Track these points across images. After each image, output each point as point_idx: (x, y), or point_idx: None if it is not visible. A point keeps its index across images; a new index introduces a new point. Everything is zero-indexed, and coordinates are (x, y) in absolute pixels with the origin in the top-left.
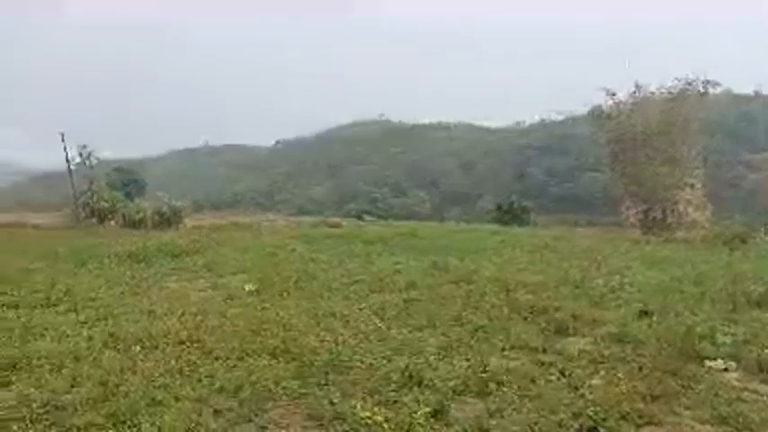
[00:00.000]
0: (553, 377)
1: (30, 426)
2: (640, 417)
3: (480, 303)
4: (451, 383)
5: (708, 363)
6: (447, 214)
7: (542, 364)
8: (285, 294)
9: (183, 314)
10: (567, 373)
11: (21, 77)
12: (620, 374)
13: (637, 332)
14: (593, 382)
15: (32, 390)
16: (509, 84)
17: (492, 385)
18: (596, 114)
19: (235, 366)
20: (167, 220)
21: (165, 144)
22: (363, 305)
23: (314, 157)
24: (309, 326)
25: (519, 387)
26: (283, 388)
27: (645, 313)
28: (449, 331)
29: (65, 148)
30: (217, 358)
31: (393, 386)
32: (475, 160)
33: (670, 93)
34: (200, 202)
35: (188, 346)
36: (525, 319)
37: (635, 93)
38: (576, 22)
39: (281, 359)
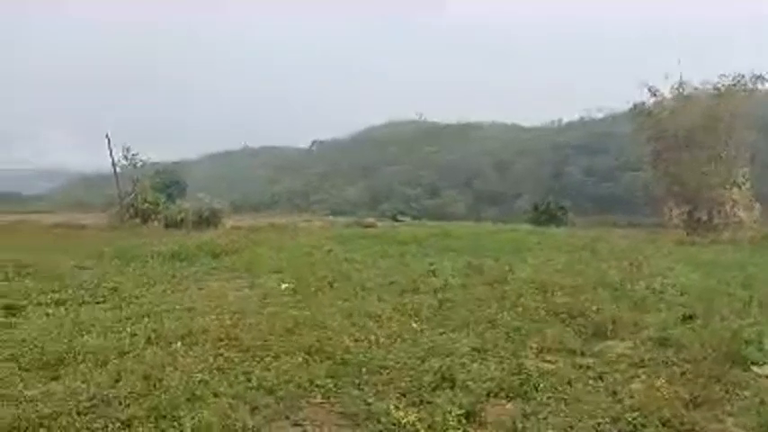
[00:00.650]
0: (591, 380)
1: (77, 418)
2: (682, 423)
3: (516, 305)
4: (485, 385)
5: (754, 368)
6: (482, 214)
7: (580, 367)
8: (320, 294)
9: (221, 312)
10: (605, 376)
11: (65, 79)
12: (661, 379)
13: (679, 336)
14: (633, 386)
15: (79, 383)
16: (545, 82)
17: (527, 387)
18: (638, 112)
19: (271, 364)
20: (207, 220)
21: (204, 147)
22: (397, 306)
23: (349, 157)
24: (343, 326)
25: (555, 390)
26: (317, 386)
27: (688, 317)
28: (483, 333)
29: (110, 151)
30: (253, 356)
31: (426, 387)
32: (510, 160)
33: (716, 89)
34: (239, 203)
35: (226, 344)
36: (562, 321)
37: (678, 89)
38: (614, 19)
39: (315, 358)
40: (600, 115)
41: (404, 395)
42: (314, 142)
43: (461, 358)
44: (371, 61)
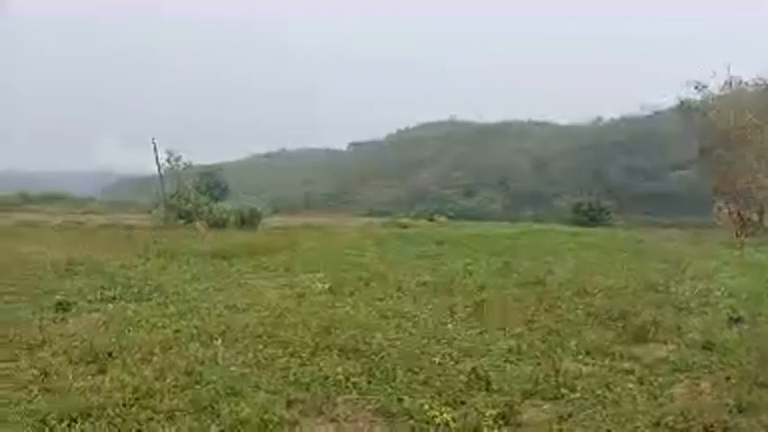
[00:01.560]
0: (631, 384)
1: (122, 409)
2: (726, 429)
3: (553, 306)
4: (521, 386)
5: None
6: (520, 215)
7: (619, 370)
8: (356, 293)
9: (260, 310)
10: (645, 380)
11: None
12: (704, 383)
13: (724, 340)
14: (675, 390)
15: (126, 376)
16: (584, 79)
17: (564, 390)
18: (684, 108)
19: (307, 361)
20: (247, 221)
21: (245, 149)
22: (432, 306)
23: (385, 158)
24: (379, 325)
25: (593, 393)
26: (353, 383)
27: (734, 320)
28: (519, 334)
29: (156, 155)
30: (291, 353)
31: (461, 387)
32: (549, 158)
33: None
34: (278, 203)
35: (264, 341)
36: (601, 323)
37: (727, 85)
38: (655, 16)
39: (350, 356)
40: (643, 112)
41: (438, 394)
42: (351, 144)
43: (496, 359)
44: (407, 62)
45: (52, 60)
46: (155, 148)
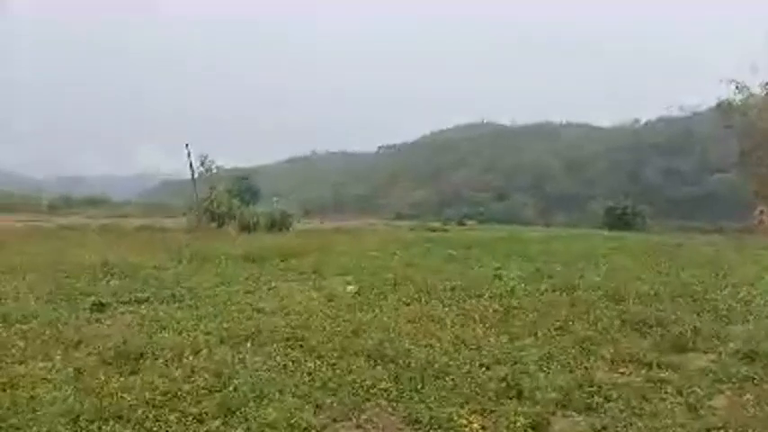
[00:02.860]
0: (669, 395)
1: (152, 411)
2: None
3: (586, 313)
4: (553, 395)
5: None
6: (552, 218)
7: (656, 380)
8: (384, 297)
9: (288, 313)
10: (685, 391)
11: (148, 89)
12: (747, 395)
13: None
14: (716, 402)
15: (156, 378)
16: (620, 80)
17: (598, 400)
18: (724, 109)
19: (335, 365)
20: (278, 224)
21: (277, 152)
22: (460, 311)
23: (415, 161)
24: (407, 329)
25: (629, 404)
26: (380, 389)
27: None
28: (551, 341)
29: (189, 160)
30: (318, 357)
31: (491, 395)
32: (582, 161)
33: None
34: (307, 207)
35: (292, 344)
36: (637, 331)
37: None
38: (689, 17)
39: (378, 361)
40: (681, 113)
41: (467, 402)
42: (381, 147)
43: (528, 367)
44: (438, 64)
45: (91, 67)
46: (188, 153)
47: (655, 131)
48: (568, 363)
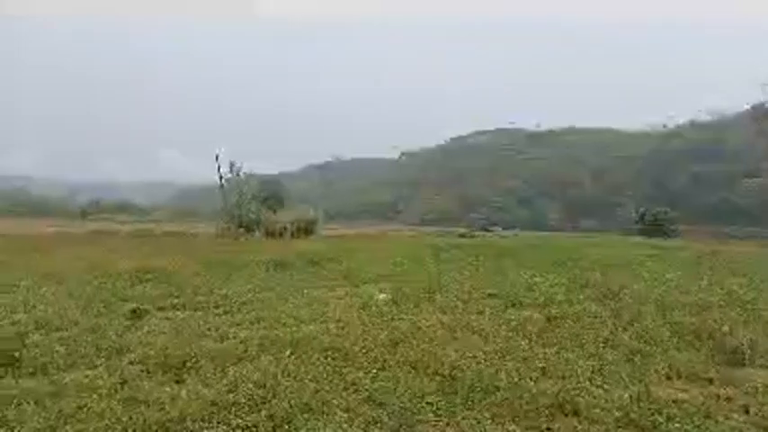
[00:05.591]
0: (734, 413)
1: (200, 423)
2: None
3: (632, 324)
4: (612, 413)
5: None
6: (578, 225)
7: (717, 397)
8: (419, 305)
9: (324, 321)
10: (751, 410)
11: (176, 97)
12: None
13: None
14: None
15: (201, 388)
16: (648, 85)
17: (659, 418)
18: (756, 113)
19: (378, 377)
20: (304, 230)
21: (300, 159)
22: (501, 320)
23: (437, 167)
24: (447, 339)
25: (692, 422)
26: (428, 403)
27: None
28: (600, 354)
29: (218, 166)
30: (359, 367)
31: (545, 411)
32: (609, 167)
33: None
34: (333, 213)
35: (332, 353)
36: (689, 343)
37: None
38: (720, 17)
39: (421, 372)
40: (710, 118)
41: (520, 417)
42: (403, 153)
43: (579, 381)
44: (462, 69)
45: (120, 73)
46: (217, 160)
47: (683, 136)
48: (621, 377)
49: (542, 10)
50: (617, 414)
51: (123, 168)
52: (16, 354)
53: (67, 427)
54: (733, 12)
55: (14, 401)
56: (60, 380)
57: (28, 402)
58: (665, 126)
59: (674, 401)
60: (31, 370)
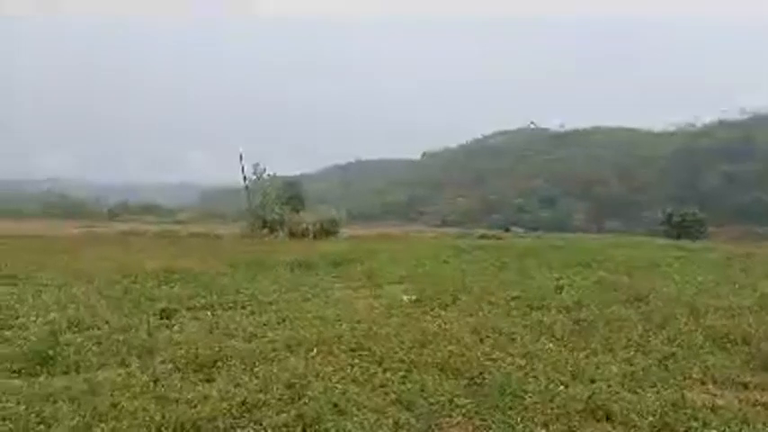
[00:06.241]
0: None
1: (231, 421)
2: None
3: (663, 328)
4: (646, 418)
5: None
6: (604, 226)
7: (755, 403)
8: (444, 307)
9: (349, 321)
10: None
11: (199, 100)
12: None
13: None
14: None
15: (232, 387)
16: (675, 83)
17: (695, 424)
18: None
19: (406, 378)
20: (326, 231)
21: (322, 160)
22: (527, 323)
23: (459, 167)
24: (474, 342)
25: (730, 429)
26: (456, 406)
27: None
28: (631, 358)
29: (242, 167)
30: (386, 369)
31: (576, 416)
32: (635, 167)
33: None
34: (353, 213)
35: (359, 354)
36: (722, 348)
37: None
38: (749, 13)
39: (449, 375)
40: (740, 117)
41: (551, 422)
42: (424, 153)
43: (611, 386)
44: (481, 67)
45: (140, 78)
46: (241, 160)
47: (712, 135)
48: (654, 382)
49: (566, 8)
50: (651, 419)
51: (149, 170)
52: (50, 352)
53: (103, 425)
54: (760, 9)
55: (50, 399)
56: (94, 378)
57: (63, 400)
58: (692, 124)
59: (711, 408)
60: (64, 368)
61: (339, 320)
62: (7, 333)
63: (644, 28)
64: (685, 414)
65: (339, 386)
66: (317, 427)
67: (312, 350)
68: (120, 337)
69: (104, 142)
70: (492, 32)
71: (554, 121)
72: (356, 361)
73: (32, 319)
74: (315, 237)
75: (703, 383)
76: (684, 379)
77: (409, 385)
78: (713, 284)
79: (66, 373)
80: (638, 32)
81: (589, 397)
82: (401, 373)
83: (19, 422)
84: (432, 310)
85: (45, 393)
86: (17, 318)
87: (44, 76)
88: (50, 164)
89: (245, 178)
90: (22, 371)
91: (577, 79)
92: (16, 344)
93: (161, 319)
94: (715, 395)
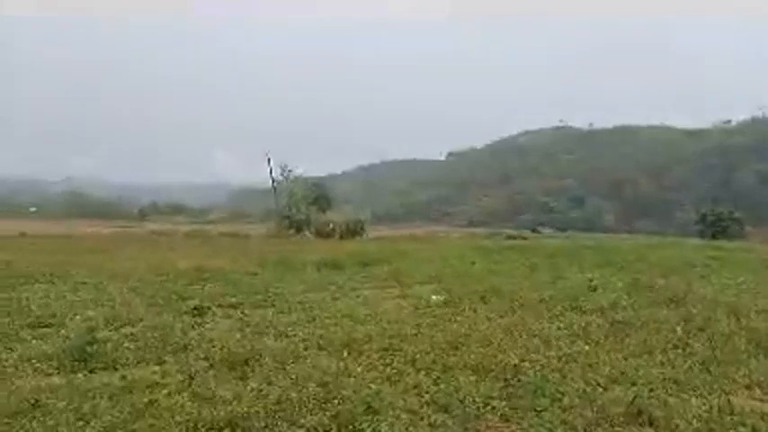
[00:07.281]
0: None
1: (265, 420)
2: None
3: (703, 330)
4: (691, 424)
5: None
6: (635, 226)
7: None
8: (474, 308)
9: (379, 321)
10: None
11: (229, 101)
12: None
13: None
14: None
15: (265, 385)
16: (706, 80)
17: (743, 430)
18: None
19: (439, 379)
20: (352, 231)
21: (347, 161)
22: (561, 324)
23: (485, 167)
24: (507, 343)
25: None
26: (492, 408)
27: None
28: (671, 361)
29: (270, 168)
30: (419, 369)
31: (617, 420)
32: (667, 165)
33: None
34: (379, 214)
35: (390, 354)
36: (767, 352)
37: None
38: None
39: (483, 376)
40: None
41: (591, 426)
42: (450, 153)
43: (652, 389)
44: (507, 65)
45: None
46: (269, 162)
47: (747, 133)
48: (696, 386)
49: (594, 7)
50: (697, 425)
51: (178, 170)
52: (88, 349)
53: (140, 422)
54: None
55: (89, 395)
56: (130, 375)
57: (101, 397)
58: (725, 122)
59: (760, 414)
60: (102, 365)
61: (368, 320)
62: (46, 330)
63: (677, 26)
64: (732, 420)
65: (372, 386)
66: (351, 427)
67: (343, 349)
68: (156, 335)
69: (133, 142)
70: (519, 30)
71: (582, 120)
72: (388, 361)
73: (70, 316)
74: (341, 237)
75: (748, 388)
76: (729, 383)
77: (443, 386)
78: (753, 285)
79: (103, 369)
80: (670, 30)
81: (631, 401)
82: (434, 374)
83: (59, 418)
84: (462, 311)
85: (84, 390)
86: (55, 315)
87: (72, 77)
88: (80, 164)
89: (272, 179)
90: (61, 368)
91: (607, 77)
92: (55, 341)
93: (193, 317)
94: (762, 401)
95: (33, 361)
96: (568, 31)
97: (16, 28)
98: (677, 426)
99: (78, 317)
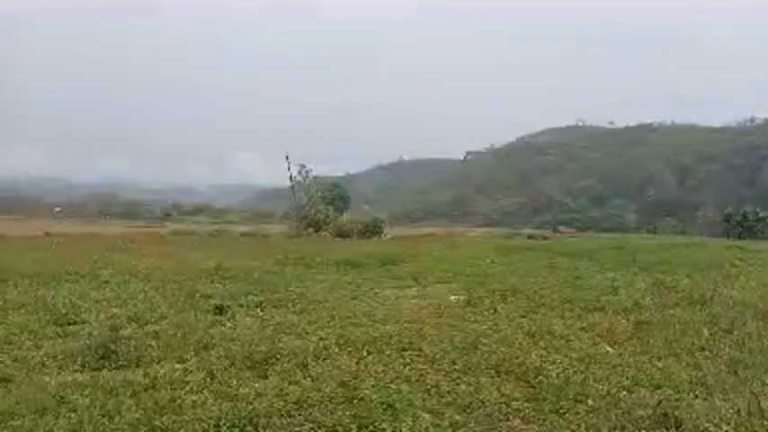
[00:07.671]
0: None
1: (286, 419)
2: None
3: (730, 332)
4: (720, 428)
5: None
6: (657, 225)
7: None
8: (495, 308)
9: (398, 320)
10: None
11: (248, 103)
12: None
13: None
14: None
15: (285, 384)
16: (730, 76)
17: None
18: None
19: (460, 379)
20: (370, 231)
21: (365, 162)
22: (583, 325)
23: (504, 167)
24: (528, 344)
25: None
26: (514, 409)
27: None
28: (698, 363)
29: (289, 169)
30: (439, 369)
31: (643, 423)
32: (690, 164)
33: None
34: (397, 214)
35: (410, 354)
36: None
37: None
38: None
39: (505, 377)
40: None
41: (615, 429)
42: (468, 153)
43: (679, 392)
44: (529, 65)
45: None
46: (287, 162)
47: None
48: (725, 389)
49: (618, 4)
50: (726, 429)
51: (202, 171)
52: (112, 346)
53: (164, 419)
54: None
55: (113, 392)
56: (154, 372)
57: (125, 393)
58: (751, 120)
59: None
60: (125, 362)
61: (388, 320)
62: (71, 328)
63: (701, 23)
64: (762, 424)
65: (392, 386)
66: (372, 427)
67: (363, 349)
68: (178, 333)
69: (161, 142)
70: (539, 28)
71: (604, 119)
72: (407, 361)
73: (95, 314)
74: (359, 236)
75: None
76: (758, 386)
77: (464, 387)
78: None
79: (127, 367)
80: (694, 27)
81: (657, 403)
82: (455, 375)
83: (84, 414)
84: (482, 311)
85: (108, 387)
86: (80, 313)
87: (101, 77)
88: (106, 165)
89: (291, 179)
90: (86, 365)
91: (629, 75)
92: (80, 339)
93: (215, 315)
94: None
95: (59, 358)
96: (588, 27)
97: (45, 26)
98: (705, 429)
99: (103, 315)
